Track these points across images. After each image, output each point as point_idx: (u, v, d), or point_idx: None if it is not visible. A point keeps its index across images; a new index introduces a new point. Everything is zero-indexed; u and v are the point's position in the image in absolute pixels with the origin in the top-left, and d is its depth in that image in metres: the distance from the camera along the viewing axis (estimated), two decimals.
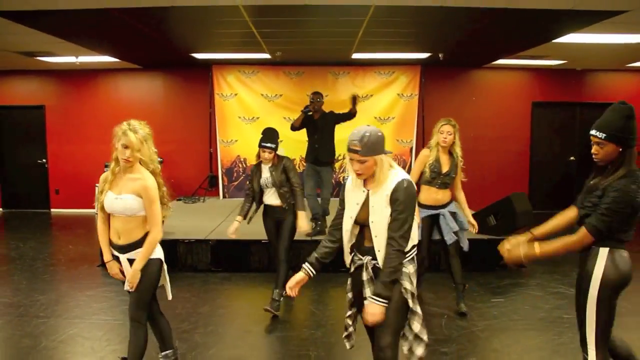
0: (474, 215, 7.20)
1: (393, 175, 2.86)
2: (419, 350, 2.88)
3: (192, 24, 6.65)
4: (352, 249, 3.05)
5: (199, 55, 9.07)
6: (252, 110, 10.36)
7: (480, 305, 5.39)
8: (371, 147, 2.80)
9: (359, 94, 8.62)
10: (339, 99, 9.89)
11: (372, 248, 2.88)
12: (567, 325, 4.83)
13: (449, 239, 5.07)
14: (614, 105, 2.89)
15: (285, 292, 3.14)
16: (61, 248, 7.90)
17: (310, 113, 6.95)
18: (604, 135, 2.83)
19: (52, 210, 11.05)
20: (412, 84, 10.30)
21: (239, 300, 5.93)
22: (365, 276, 2.93)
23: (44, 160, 10.94)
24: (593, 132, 2.89)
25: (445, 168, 5.14)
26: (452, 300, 5.33)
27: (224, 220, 7.76)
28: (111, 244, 3.40)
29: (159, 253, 3.42)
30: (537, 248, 2.94)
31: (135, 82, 10.74)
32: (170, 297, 3.60)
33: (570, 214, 3.10)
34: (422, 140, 10.24)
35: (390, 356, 2.79)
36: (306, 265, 3.07)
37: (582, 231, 2.81)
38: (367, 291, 2.89)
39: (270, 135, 5.05)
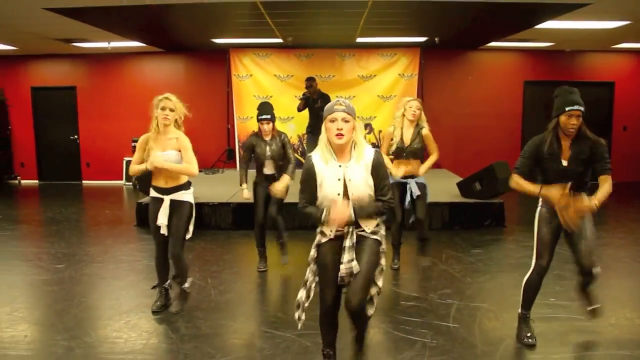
0: (461, 182, 8.21)
1: (366, 146, 3.12)
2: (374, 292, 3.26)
3: (215, 16, 7.59)
4: None
5: (218, 40, 10.05)
6: (266, 89, 11.34)
7: (460, 254, 6.36)
8: (352, 109, 3.03)
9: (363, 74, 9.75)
10: (345, 78, 11.01)
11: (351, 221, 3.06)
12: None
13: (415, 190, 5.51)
14: (569, 88, 3.69)
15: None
16: (99, 212, 8.95)
17: (308, 96, 8.38)
18: (584, 108, 3.56)
19: (84, 181, 12.14)
20: (412, 64, 11.23)
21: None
22: (348, 243, 3.05)
23: (75, 136, 12.01)
24: (578, 107, 3.52)
25: (408, 141, 5.48)
26: (436, 252, 6.32)
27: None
28: (156, 188, 4.37)
29: (190, 198, 4.43)
30: (594, 199, 3.53)
31: (159, 64, 11.75)
32: (189, 235, 4.50)
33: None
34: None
35: (362, 307, 3.10)
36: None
37: (609, 179, 3.56)
38: (346, 256, 3.04)
39: (266, 109, 5.49)
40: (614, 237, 7.01)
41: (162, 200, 4.37)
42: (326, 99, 8.59)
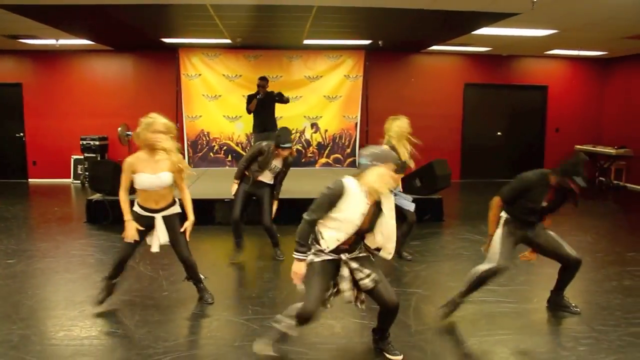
0: (402, 179, 8.59)
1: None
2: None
3: (164, 17, 7.77)
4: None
5: (167, 40, 10.19)
6: (214, 88, 11.54)
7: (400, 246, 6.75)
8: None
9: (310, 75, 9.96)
10: (292, 79, 11.42)
11: (348, 249, 3.43)
12: (464, 258, 6.28)
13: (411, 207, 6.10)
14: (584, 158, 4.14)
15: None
16: (47, 210, 8.95)
17: (261, 97, 8.63)
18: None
19: (30, 180, 12.02)
20: (357, 66, 11.64)
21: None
22: (346, 272, 3.42)
23: (21, 134, 11.87)
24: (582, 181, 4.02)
25: (405, 157, 5.88)
26: None
27: (191, 185, 8.97)
28: (146, 209, 4.43)
29: (179, 209, 4.57)
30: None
31: (107, 62, 11.75)
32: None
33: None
34: (367, 116, 11.63)
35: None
36: (301, 255, 3.40)
37: None
38: (344, 285, 3.43)
39: (289, 137, 5.83)
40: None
41: (150, 218, 4.42)
42: (273, 94, 9.01)
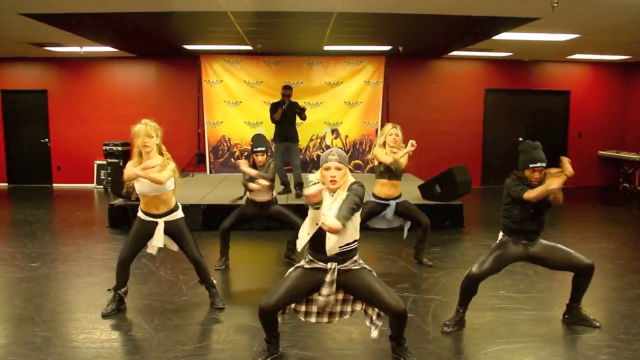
0: (423, 185, 8.55)
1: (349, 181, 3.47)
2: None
3: (186, 24, 7.86)
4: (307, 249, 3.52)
5: (189, 47, 10.30)
6: (235, 95, 11.63)
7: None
8: (344, 157, 3.44)
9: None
10: (313, 85, 11.43)
11: (335, 256, 3.42)
12: None
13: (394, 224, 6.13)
14: (533, 143, 4.09)
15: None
16: (71, 214, 9.09)
17: (285, 106, 8.42)
18: (544, 164, 4.06)
19: (54, 185, 12.22)
20: (377, 72, 11.64)
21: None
22: (329, 278, 3.42)
23: (46, 139, 12.09)
24: (540, 164, 4.02)
25: (385, 161, 5.81)
26: (396, 250, 6.68)
27: (212, 191, 9.07)
28: (148, 214, 4.54)
29: (182, 214, 4.68)
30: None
31: (130, 69, 11.93)
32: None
33: None
34: (387, 122, 11.57)
35: (405, 307, 3.55)
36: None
37: None
38: (325, 290, 3.45)
39: (260, 141, 5.84)
40: (564, 236, 7.44)
41: (154, 223, 4.53)
42: (296, 105, 8.77)
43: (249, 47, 10.25)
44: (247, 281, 5.78)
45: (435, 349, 3.99)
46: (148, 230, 4.56)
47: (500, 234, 4.41)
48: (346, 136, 11.75)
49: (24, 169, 12.29)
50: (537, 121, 12.39)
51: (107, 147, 11.40)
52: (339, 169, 3.38)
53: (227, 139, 11.73)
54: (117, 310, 4.62)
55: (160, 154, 4.57)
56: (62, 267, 6.01)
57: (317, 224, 3.24)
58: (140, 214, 4.61)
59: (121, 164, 11.21)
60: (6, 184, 12.25)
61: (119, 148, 11.38)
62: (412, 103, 11.87)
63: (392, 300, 3.45)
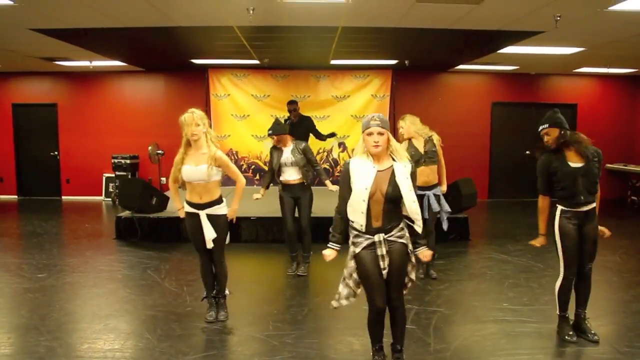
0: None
1: (403, 152, 3.58)
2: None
3: (193, 39, 7.96)
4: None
5: (196, 61, 10.42)
6: (243, 108, 11.72)
7: (423, 265, 6.72)
8: (385, 122, 3.46)
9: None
10: (319, 99, 11.50)
11: (381, 228, 3.44)
12: (488, 277, 6.23)
13: (426, 215, 6.01)
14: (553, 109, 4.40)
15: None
16: (79, 226, 9.17)
17: (292, 121, 8.43)
18: (547, 125, 4.26)
19: (64, 197, 12.33)
20: (384, 86, 11.70)
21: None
22: (381, 252, 3.44)
23: (56, 152, 12.22)
24: (540, 128, 4.31)
25: (421, 147, 6.11)
26: None
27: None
28: (191, 204, 4.60)
29: (225, 210, 4.70)
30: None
31: (139, 83, 12.07)
32: (227, 242, 4.89)
33: (546, 204, 4.44)
34: (394, 135, 11.54)
35: (403, 304, 3.63)
36: (332, 245, 3.63)
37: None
38: (383, 264, 3.46)
39: (274, 125, 6.29)
40: None
41: (197, 215, 4.59)
42: (308, 121, 8.81)
43: (256, 61, 10.35)
44: (249, 293, 5.79)
45: None
46: (195, 221, 4.62)
47: (558, 205, 4.40)
48: (353, 149, 11.73)
49: (33, 182, 12.42)
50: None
51: (116, 160, 11.52)
52: (381, 133, 3.41)
53: (234, 152, 11.79)
54: (216, 316, 4.77)
55: (207, 142, 4.61)
56: (69, 278, 6.07)
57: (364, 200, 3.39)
58: (185, 207, 4.69)
59: (129, 176, 11.33)
60: (16, 197, 12.39)
61: (128, 161, 11.50)
62: (419, 116, 11.80)
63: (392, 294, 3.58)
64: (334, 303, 3.62)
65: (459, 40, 7.89)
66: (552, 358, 4.07)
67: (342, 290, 3.61)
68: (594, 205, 4.38)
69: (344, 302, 3.60)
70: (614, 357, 4.02)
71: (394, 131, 11.31)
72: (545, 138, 4.30)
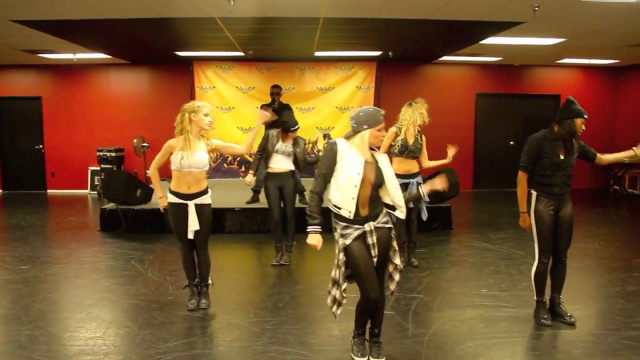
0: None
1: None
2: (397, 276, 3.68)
3: (177, 30, 7.96)
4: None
5: (181, 53, 10.42)
6: (228, 100, 11.74)
7: (405, 253, 6.78)
8: None
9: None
10: (304, 91, 11.58)
11: (369, 216, 3.47)
12: (468, 265, 6.33)
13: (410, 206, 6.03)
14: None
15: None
16: (63, 219, 9.17)
17: (275, 106, 8.41)
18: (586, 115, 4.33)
19: (49, 191, 12.30)
20: (368, 77, 11.77)
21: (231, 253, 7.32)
22: (372, 240, 3.46)
23: (40, 146, 12.18)
24: (584, 116, 4.30)
25: (411, 141, 6.17)
26: None
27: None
28: (178, 194, 4.61)
29: (210, 200, 4.73)
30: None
31: (124, 76, 12.04)
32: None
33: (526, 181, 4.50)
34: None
35: (383, 293, 3.63)
36: (316, 227, 3.55)
37: None
38: (374, 252, 3.46)
39: (294, 119, 6.28)
40: None
41: (184, 205, 4.60)
42: (286, 108, 8.83)
43: (240, 53, 10.36)
44: (232, 282, 5.84)
45: (413, 344, 4.05)
46: (181, 212, 4.62)
47: (532, 191, 4.47)
48: None
49: (18, 176, 12.38)
50: (527, 125, 12.44)
51: (101, 153, 11.50)
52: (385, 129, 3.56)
53: None
54: (197, 304, 4.80)
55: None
56: (52, 269, 6.08)
57: (356, 186, 3.40)
58: (170, 197, 4.67)
59: (115, 169, 11.32)
60: (0, 190, 12.33)
61: (113, 154, 11.48)
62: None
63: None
64: (337, 311, 3.61)
65: (440, 31, 7.95)
66: (528, 341, 4.16)
67: (335, 293, 3.58)
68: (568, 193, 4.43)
69: (339, 310, 3.61)
70: (587, 340, 4.11)
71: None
72: (583, 127, 4.31)
